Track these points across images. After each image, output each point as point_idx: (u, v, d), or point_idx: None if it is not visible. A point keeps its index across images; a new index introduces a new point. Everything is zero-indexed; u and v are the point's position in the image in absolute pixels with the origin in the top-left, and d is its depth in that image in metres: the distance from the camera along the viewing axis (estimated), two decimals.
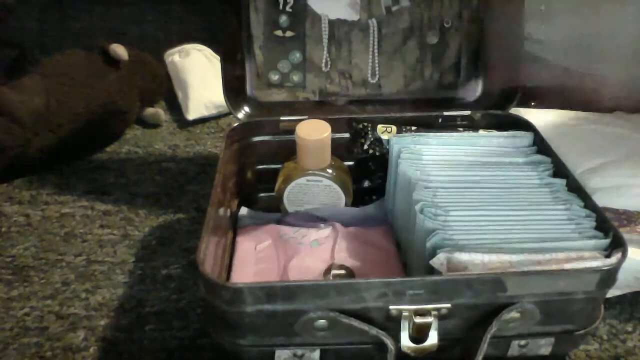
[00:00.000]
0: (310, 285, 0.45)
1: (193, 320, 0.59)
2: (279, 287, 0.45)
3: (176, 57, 0.98)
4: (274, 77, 0.71)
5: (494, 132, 0.64)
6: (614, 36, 0.91)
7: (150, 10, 1.27)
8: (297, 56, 0.70)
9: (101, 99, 0.83)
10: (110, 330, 0.58)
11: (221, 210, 0.59)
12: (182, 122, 0.92)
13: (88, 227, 0.71)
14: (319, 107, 0.72)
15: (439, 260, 0.47)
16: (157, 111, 0.92)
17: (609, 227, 0.50)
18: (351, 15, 0.69)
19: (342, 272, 0.56)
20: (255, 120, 0.69)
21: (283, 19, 0.69)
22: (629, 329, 0.58)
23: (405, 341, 0.46)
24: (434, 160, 0.59)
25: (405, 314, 0.46)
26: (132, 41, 0.95)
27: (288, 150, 0.65)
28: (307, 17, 0.69)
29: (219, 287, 0.46)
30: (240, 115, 0.70)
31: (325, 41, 0.70)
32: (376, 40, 0.70)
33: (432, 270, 0.48)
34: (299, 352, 0.49)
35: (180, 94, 0.95)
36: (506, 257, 0.47)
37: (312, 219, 0.64)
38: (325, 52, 0.70)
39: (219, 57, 0.69)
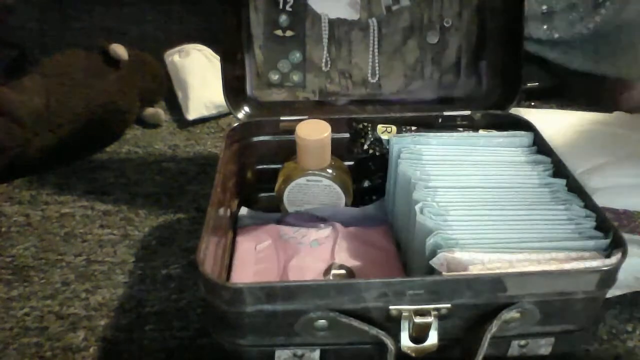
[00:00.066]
0: (310, 285, 0.45)
1: (193, 320, 0.59)
2: (279, 287, 0.45)
3: (176, 57, 0.98)
4: (274, 77, 0.71)
5: (494, 132, 0.64)
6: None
7: (150, 10, 1.27)
8: (297, 56, 0.70)
9: (101, 99, 0.83)
10: (110, 330, 0.58)
11: (221, 210, 0.59)
12: (182, 122, 0.92)
13: (88, 227, 0.71)
14: (319, 107, 0.72)
15: (439, 260, 0.47)
16: (157, 111, 0.92)
17: (609, 227, 0.50)
18: (351, 14, 0.69)
19: (342, 272, 0.56)
20: (255, 120, 0.69)
21: (283, 18, 0.69)
22: (629, 329, 0.58)
23: (405, 341, 0.46)
24: (434, 160, 0.59)
25: (405, 314, 0.46)
26: (132, 41, 0.95)
27: (288, 150, 0.65)
28: (307, 16, 0.69)
29: (219, 287, 0.46)
30: (240, 115, 0.70)
31: (325, 41, 0.70)
32: (376, 39, 0.70)
33: (432, 270, 0.48)
34: (299, 352, 0.49)
35: (180, 94, 0.95)
36: (506, 257, 0.47)
37: (312, 219, 0.64)
38: (325, 51, 0.70)
39: (219, 57, 0.69)
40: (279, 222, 0.64)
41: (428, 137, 0.62)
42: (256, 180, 0.71)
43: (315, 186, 0.63)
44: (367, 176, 0.67)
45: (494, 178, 0.58)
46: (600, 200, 0.55)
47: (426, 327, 0.46)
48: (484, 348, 0.45)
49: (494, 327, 0.45)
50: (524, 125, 0.65)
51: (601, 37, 0.96)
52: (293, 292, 0.45)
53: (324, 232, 0.62)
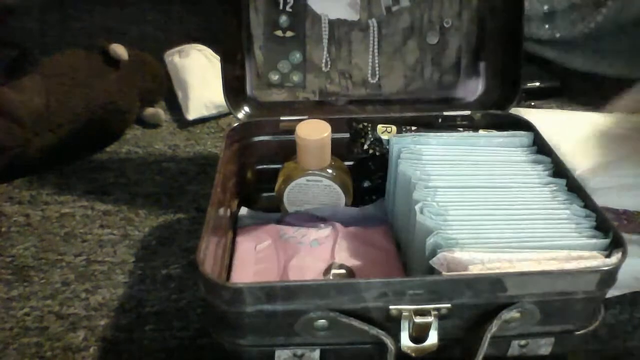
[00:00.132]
0: (310, 285, 0.45)
1: (193, 320, 0.59)
2: (279, 287, 0.45)
3: (176, 57, 0.98)
4: (274, 77, 0.71)
5: (494, 132, 0.64)
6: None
7: (150, 10, 1.27)
8: (297, 56, 0.70)
9: (101, 99, 0.83)
10: (110, 330, 0.58)
11: (221, 210, 0.59)
12: (182, 122, 0.92)
13: (88, 227, 0.71)
14: (319, 107, 0.72)
15: (439, 260, 0.47)
16: (157, 111, 0.92)
17: (609, 227, 0.50)
18: (351, 15, 0.69)
19: (342, 271, 0.56)
20: (255, 120, 0.69)
21: (283, 19, 0.69)
22: (629, 329, 0.58)
23: (405, 341, 0.46)
24: (434, 160, 0.59)
25: (405, 314, 0.46)
26: (132, 41, 0.95)
27: (288, 150, 0.65)
28: (307, 17, 0.69)
29: (219, 287, 0.46)
30: (240, 115, 0.70)
31: (325, 41, 0.70)
32: (376, 40, 0.70)
33: (432, 270, 0.48)
34: (299, 352, 0.49)
35: (180, 94, 0.95)
36: (506, 257, 0.47)
37: (312, 219, 0.64)
38: (325, 52, 0.70)
39: (219, 57, 0.69)
40: (279, 222, 0.64)
41: (428, 137, 0.62)
42: (256, 180, 0.71)
43: (315, 186, 0.63)
44: (367, 176, 0.67)
45: (494, 178, 0.58)
46: (600, 200, 0.55)
47: (426, 327, 0.46)
48: (484, 348, 0.45)
49: (494, 327, 0.45)
50: (524, 125, 0.65)
51: (602, 37, 0.96)
52: (293, 292, 0.45)
53: (324, 232, 0.62)
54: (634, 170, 0.64)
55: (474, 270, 0.46)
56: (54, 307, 0.61)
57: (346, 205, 0.65)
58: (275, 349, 0.48)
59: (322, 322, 0.46)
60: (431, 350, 0.47)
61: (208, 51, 0.99)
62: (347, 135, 0.67)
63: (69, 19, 1.24)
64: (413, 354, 0.47)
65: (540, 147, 0.62)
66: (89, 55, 0.87)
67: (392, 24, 0.69)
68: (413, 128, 0.66)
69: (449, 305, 0.46)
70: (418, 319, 0.46)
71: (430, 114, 0.68)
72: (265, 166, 0.70)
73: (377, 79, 0.72)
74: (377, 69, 0.71)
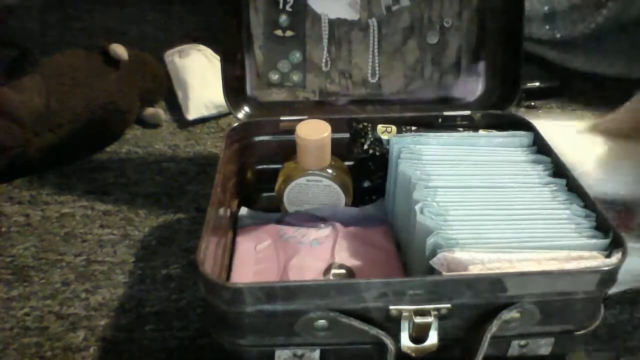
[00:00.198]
0: (310, 285, 0.45)
1: (193, 320, 0.59)
2: (279, 287, 0.45)
3: (176, 57, 0.98)
4: (274, 77, 0.71)
5: (494, 132, 0.64)
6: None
7: (150, 10, 1.27)
8: (297, 56, 0.70)
9: (101, 99, 0.83)
10: (110, 330, 0.58)
11: (221, 210, 0.59)
12: (182, 122, 0.92)
13: (88, 227, 0.71)
14: (319, 107, 0.72)
15: (439, 260, 0.47)
16: (157, 111, 0.92)
17: (609, 227, 0.50)
18: (351, 14, 0.69)
19: (342, 271, 0.56)
20: (255, 120, 0.69)
21: (283, 18, 0.69)
22: (629, 329, 0.58)
23: (405, 341, 0.46)
24: (434, 160, 0.59)
25: (405, 314, 0.46)
26: (132, 41, 0.95)
27: (288, 150, 0.65)
28: (307, 16, 0.69)
29: (219, 287, 0.46)
30: (240, 115, 0.70)
31: (325, 41, 0.70)
32: (376, 40, 0.70)
33: (432, 270, 0.48)
34: (299, 352, 0.49)
35: (180, 94, 0.95)
36: (506, 257, 0.47)
37: (312, 219, 0.64)
38: (325, 51, 0.70)
39: (219, 57, 0.69)
40: (279, 222, 0.64)
41: (428, 137, 0.62)
42: (256, 180, 0.71)
43: (315, 186, 0.63)
44: (367, 176, 0.67)
45: (494, 178, 0.58)
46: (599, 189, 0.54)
47: (426, 327, 0.46)
48: (484, 348, 0.45)
49: (494, 327, 0.45)
50: (524, 125, 0.65)
51: (602, 37, 0.96)
52: (293, 292, 0.45)
53: (324, 232, 0.62)
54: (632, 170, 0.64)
55: (474, 270, 0.46)
56: (54, 307, 0.61)
57: (346, 205, 0.65)
58: (275, 349, 0.48)
59: (322, 322, 0.46)
60: (431, 350, 0.46)
61: (208, 51, 0.99)
62: (347, 135, 0.67)
63: (69, 19, 1.24)
64: (413, 354, 0.47)
65: (540, 147, 0.62)
66: (89, 55, 0.87)
67: (392, 23, 0.69)
68: (413, 128, 0.65)
69: (449, 305, 0.46)
70: (418, 319, 0.46)
71: (430, 114, 0.68)
72: (265, 166, 0.70)
73: (377, 78, 0.72)
74: (377, 68, 0.71)
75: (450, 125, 0.68)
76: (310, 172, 0.63)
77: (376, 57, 0.71)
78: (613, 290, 0.58)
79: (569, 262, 0.47)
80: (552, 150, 0.60)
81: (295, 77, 0.71)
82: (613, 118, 0.65)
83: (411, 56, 0.71)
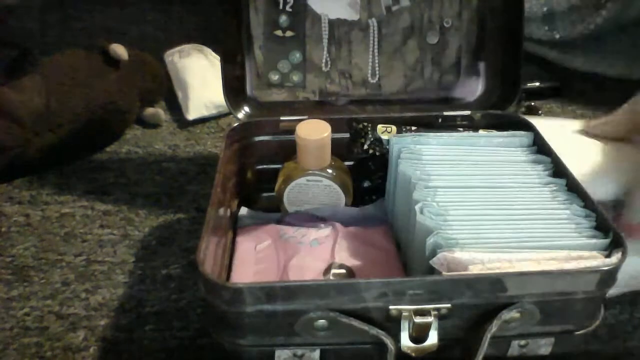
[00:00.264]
0: (310, 285, 0.45)
1: (193, 320, 0.59)
2: (279, 287, 0.45)
3: (176, 57, 0.98)
4: (274, 77, 0.71)
5: (494, 132, 0.64)
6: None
7: (150, 10, 1.27)
8: (297, 56, 0.70)
9: (101, 99, 0.83)
10: (110, 330, 0.58)
11: (221, 210, 0.59)
12: (182, 122, 0.92)
13: (88, 227, 0.71)
14: (319, 107, 0.72)
15: (439, 260, 0.47)
16: (157, 111, 0.92)
17: (609, 227, 0.50)
18: (351, 15, 0.69)
19: (342, 271, 0.56)
20: (255, 120, 0.69)
21: (283, 19, 0.69)
22: (629, 329, 0.58)
23: (405, 341, 0.46)
24: (434, 160, 0.59)
25: (405, 314, 0.46)
26: (132, 41, 0.95)
27: (288, 150, 0.65)
28: (307, 17, 0.69)
29: (219, 287, 0.46)
30: (240, 115, 0.70)
31: (325, 41, 0.70)
32: (376, 40, 0.70)
33: (432, 270, 0.48)
34: (299, 352, 0.49)
35: (180, 94, 0.95)
36: (506, 257, 0.47)
37: (312, 219, 0.64)
38: (325, 52, 0.70)
39: (219, 57, 0.69)
40: (279, 222, 0.65)
41: (428, 137, 0.62)
42: (256, 180, 0.71)
43: (315, 186, 0.63)
44: (367, 176, 0.67)
45: (494, 178, 0.58)
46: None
47: (426, 327, 0.46)
48: (484, 348, 0.45)
49: (494, 327, 0.45)
50: (524, 125, 0.65)
51: (602, 37, 0.96)
52: (293, 292, 0.45)
53: (324, 232, 0.62)
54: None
55: (474, 270, 0.46)
56: (54, 307, 0.61)
57: (346, 205, 0.65)
58: (275, 349, 0.48)
59: (322, 322, 0.46)
60: (431, 350, 0.47)
61: (208, 51, 0.99)
62: (347, 135, 0.67)
63: (69, 19, 1.24)
64: (413, 354, 0.47)
65: (540, 147, 0.62)
66: (89, 55, 0.87)
67: (392, 23, 0.69)
68: (413, 128, 0.65)
69: (449, 305, 0.46)
70: (418, 319, 0.46)
71: (430, 114, 0.68)
72: (265, 166, 0.70)
73: (377, 78, 0.72)
74: (377, 68, 0.71)
75: (450, 125, 0.68)
76: (310, 172, 0.63)
77: (376, 57, 0.71)
78: (612, 293, 0.58)
79: (569, 262, 0.47)
80: (552, 150, 0.60)
81: (295, 77, 0.71)
82: (609, 120, 0.65)
83: (411, 56, 0.71)
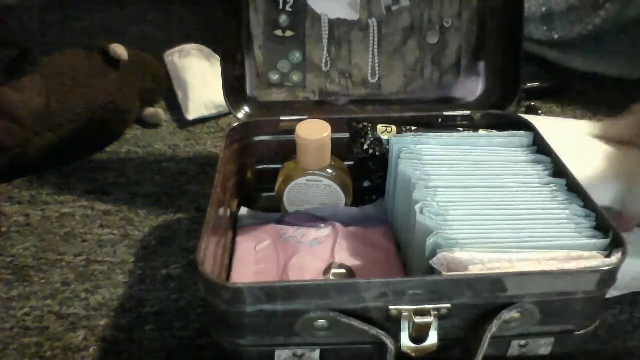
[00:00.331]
0: (310, 285, 0.45)
1: (193, 320, 0.59)
2: (279, 287, 0.45)
3: (176, 57, 0.98)
4: (274, 77, 0.71)
5: (494, 132, 0.64)
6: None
7: (150, 10, 1.27)
8: (297, 56, 0.70)
9: (101, 99, 0.83)
10: (110, 330, 0.58)
11: (221, 210, 0.59)
12: (182, 122, 0.92)
13: (88, 227, 0.71)
14: (319, 107, 0.72)
15: (439, 260, 0.47)
16: (157, 111, 0.92)
17: (609, 227, 0.50)
18: (351, 14, 0.69)
19: (342, 271, 0.56)
20: (255, 120, 0.69)
21: (283, 18, 0.69)
22: (629, 329, 0.58)
23: (405, 341, 0.46)
24: (434, 160, 0.59)
25: (405, 314, 0.46)
26: (132, 41, 0.95)
27: (288, 150, 0.65)
28: (307, 17, 0.69)
29: (219, 287, 0.46)
30: (240, 115, 0.70)
31: (325, 41, 0.70)
32: (376, 40, 0.70)
33: (432, 270, 0.48)
34: (299, 352, 0.49)
35: (180, 94, 0.95)
36: (506, 257, 0.47)
37: (312, 219, 0.64)
38: (325, 52, 0.70)
39: (219, 57, 0.69)
40: (279, 222, 0.65)
41: (428, 137, 0.62)
42: (256, 180, 0.71)
43: (315, 186, 0.63)
44: (367, 176, 0.67)
45: (494, 178, 0.58)
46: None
47: (426, 327, 0.46)
48: (484, 348, 0.45)
49: (494, 327, 0.45)
50: (524, 125, 0.65)
51: (601, 37, 0.96)
52: (293, 292, 0.45)
53: (324, 232, 0.62)
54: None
55: (474, 270, 0.46)
56: (54, 307, 0.61)
57: (346, 205, 0.65)
58: (275, 349, 0.48)
59: (322, 322, 0.46)
60: (431, 350, 0.47)
61: (208, 51, 0.99)
62: (347, 135, 0.67)
63: (69, 19, 1.24)
64: (413, 354, 0.47)
65: (540, 147, 0.62)
66: (89, 55, 0.87)
67: (392, 23, 0.69)
68: (413, 128, 0.66)
69: (449, 305, 0.46)
70: (418, 319, 0.46)
71: (430, 114, 0.68)
72: (265, 166, 0.70)
73: (377, 78, 0.72)
74: (377, 68, 0.71)
75: (450, 125, 0.68)
76: (310, 172, 0.63)
77: (376, 57, 0.71)
78: (612, 294, 0.58)
79: (569, 262, 0.47)
80: (552, 150, 0.60)
81: (295, 77, 0.71)
82: (616, 124, 0.65)
83: (411, 56, 0.71)
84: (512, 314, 0.46)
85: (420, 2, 0.69)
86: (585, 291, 0.47)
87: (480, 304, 0.46)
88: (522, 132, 0.63)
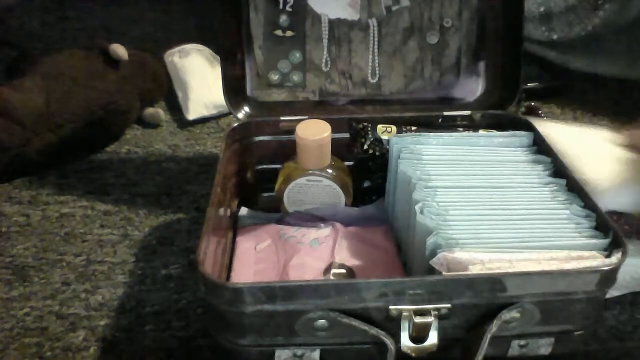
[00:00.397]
0: (310, 285, 0.45)
1: (193, 320, 0.59)
2: (279, 287, 0.45)
3: (176, 57, 0.98)
4: (274, 77, 0.71)
5: (494, 132, 0.64)
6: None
7: (150, 10, 1.27)
8: (297, 56, 0.70)
9: (101, 99, 0.83)
10: (110, 330, 0.58)
11: (221, 210, 0.59)
12: (182, 122, 0.92)
13: (88, 227, 0.71)
14: (319, 107, 0.72)
15: (439, 260, 0.47)
16: (157, 111, 0.92)
17: (609, 227, 0.50)
18: (351, 14, 0.69)
19: (342, 271, 0.56)
20: (255, 120, 0.69)
21: (283, 18, 0.69)
22: (629, 329, 0.58)
23: (405, 341, 0.46)
24: (434, 160, 0.59)
25: (405, 314, 0.46)
26: (132, 41, 0.95)
27: (288, 150, 0.65)
28: (307, 16, 0.69)
29: (219, 287, 0.46)
30: (240, 115, 0.70)
31: (325, 41, 0.70)
32: (376, 40, 0.70)
33: (432, 270, 0.48)
34: (299, 352, 0.49)
35: (180, 94, 0.95)
36: (506, 257, 0.47)
37: (312, 219, 0.64)
38: (325, 52, 0.70)
39: (219, 57, 0.69)
40: (279, 222, 0.64)
41: (428, 137, 0.62)
42: (256, 180, 0.71)
43: (315, 186, 0.63)
44: (367, 176, 0.67)
45: (494, 178, 0.58)
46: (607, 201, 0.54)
47: (426, 327, 0.46)
48: (484, 348, 0.45)
49: (494, 327, 0.45)
50: (524, 125, 0.65)
51: (601, 38, 0.96)
52: (293, 292, 0.45)
53: (324, 232, 0.62)
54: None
55: (474, 270, 0.46)
56: (54, 307, 0.61)
57: (346, 205, 0.65)
58: (275, 349, 0.48)
59: (322, 322, 0.46)
60: (431, 350, 0.47)
61: (208, 51, 0.99)
62: (347, 135, 0.67)
63: (69, 19, 1.24)
64: (413, 354, 0.47)
65: (540, 147, 0.62)
66: (89, 55, 0.87)
67: (392, 23, 0.69)
68: (413, 128, 0.65)
69: (449, 305, 0.46)
70: (418, 319, 0.46)
71: (430, 114, 0.68)
72: (265, 166, 0.70)
73: (377, 78, 0.72)
74: (377, 68, 0.71)
75: (450, 125, 0.68)
76: (310, 172, 0.63)
77: (376, 57, 0.71)
78: (612, 294, 0.58)
79: (569, 262, 0.47)
80: (552, 150, 0.60)
81: (295, 77, 0.71)
82: (637, 133, 0.64)
83: (411, 56, 0.71)
84: (512, 314, 0.46)
85: (420, 2, 0.69)
86: (585, 291, 0.47)
87: (480, 304, 0.46)
88: (522, 132, 0.63)
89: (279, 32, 0.69)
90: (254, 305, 0.45)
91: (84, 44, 0.89)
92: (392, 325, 0.46)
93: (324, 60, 0.70)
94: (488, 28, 0.70)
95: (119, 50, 0.87)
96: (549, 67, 1.00)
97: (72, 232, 0.70)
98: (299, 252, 0.58)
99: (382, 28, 0.70)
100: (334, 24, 0.69)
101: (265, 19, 0.69)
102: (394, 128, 0.65)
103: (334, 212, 0.65)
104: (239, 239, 0.62)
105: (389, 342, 0.45)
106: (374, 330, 0.46)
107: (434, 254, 0.48)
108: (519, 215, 0.53)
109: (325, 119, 0.63)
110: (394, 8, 0.69)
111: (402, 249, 0.60)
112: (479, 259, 0.47)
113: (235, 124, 0.67)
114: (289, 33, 0.69)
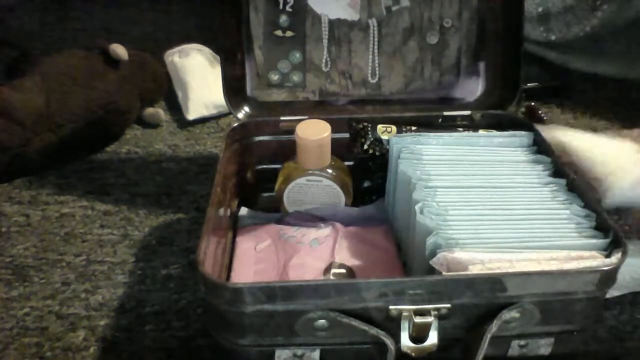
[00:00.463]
0: (310, 285, 0.45)
1: (193, 320, 0.59)
2: (279, 287, 0.45)
3: (176, 57, 0.98)
4: (274, 77, 0.71)
5: (494, 132, 0.64)
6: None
7: (150, 10, 1.27)
8: (297, 56, 0.70)
9: (101, 99, 0.83)
10: (110, 330, 0.58)
11: (221, 210, 0.59)
12: (182, 122, 0.92)
13: (88, 227, 0.71)
14: (319, 107, 0.72)
15: (439, 260, 0.47)
16: (157, 111, 0.92)
17: (609, 227, 0.50)
18: (351, 15, 0.69)
19: (342, 271, 0.56)
20: (255, 120, 0.69)
21: (283, 18, 0.69)
22: (629, 329, 0.58)
23: (405, 341, 0.46)
24: (434, 160, 0.59)
25: (405, 314, 0.46)
26: (132, 41, 0.95)
27: (288, 150, 0.65)
28: (307, 17, 0.69)
29: (219, 287, 0.46)
30: (240, 115, 0.70)
31: (325, 41, 0.70)
32: (376, 40, 0.70)
33: (432, 270, 0.48)
34: (299, 352, 0.49)
35: (180, 94, 0.95)
36: (506, 257, 0.47)
37: (312, 219, 0.64)
38: (325, 52, 0.70)
39: (219, 57, 0.69)
40: (279, 222, 0.64)
41: (428, 137, 0.62)
42: (256, 180, 0.71)
43: (315, 186, 0.63)
44: (367, 176, 0.67)
45: (494, 178, 0.58)
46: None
47: (426, 327, 0.46)
48: (484, 348, 0.45)
49: (494, 327, 0.45)
50: (524, 125, 0.65)
51: (600, 38, 0.96)
52: (293, 292, 0.45)
53: (324, 232, 0.62)
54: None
55: (474, 270, 0.46)
56: (54, 307, 0.61)
57: (346, 205, 0.65)
58: (275, 349, 0.48)
59: (322, 322, 0.46)
60: (431, 350, 0.47)
61: (208, 51, 0.99)
62: (347, 135, 0.67)
63: (69, 19, 1.24)
64: (413, 354, 0.47)
65: (540, 147, 0.62)
66: (89, 55, 0.87)
67: (392, 23, 0.69)
68: (413, 128, 0.65)
69: (449, 305, 0.46)
70: (418, 319, 0.46)
71: (430, 114, 0.68)
72: (265, 166, 0.70)
73: (377, 79, 0.72)
74: (377, 68, 0.71)
75: (450, 125, 0.68)
76: (310, 172, 0.63)
77: (376, 57, 0.71)
78: (612, 294, 0.58)
79: (569, 262, 0.47)
80: (552, 150, 0.60)
81: (295, 77, 0.71)
82: None
83: (411, 56, 0.71)
84: (512, 314, 0.46)
85: (420, 2, 0.69)
86: (585, 291, 0.47)
87: (480, 304, 0.46)
88: (522, 132, 0.63)
89: (279, 32, 0.69)
90: (254, 305, 0.45)
91: (84, 44, 0.89)
92: (392, 325, 0.46)
93: (324, 61, 0.70)
94: (488, 28, 0.70)
95: (119, 50, 0.87)
96: (548, 67, 1.00)
97: (72, 232, 0.70)
98: (298, 252, 0.58)
99: (382, 28, 0.70)
100: (334, 24, 0.69)
101: (265, 19, 0.69)
102: (394, 128, 0.65)
103: (334, 212, 0.65)
104: (239, 239, 0.62)
105: (389, 342, 0.45)
106: (374, 330, 0.46)
107: (434, 254, 0.48)
108: (519, 215, 0.53)
109: (325, 119, 0.63)
110: (394, 8, 0.69)
111: (402, 249, 0.60)
112: (479, 259, 0.47)
113: (235, 124, 0.67)
114: (289, 33, 0.69)
